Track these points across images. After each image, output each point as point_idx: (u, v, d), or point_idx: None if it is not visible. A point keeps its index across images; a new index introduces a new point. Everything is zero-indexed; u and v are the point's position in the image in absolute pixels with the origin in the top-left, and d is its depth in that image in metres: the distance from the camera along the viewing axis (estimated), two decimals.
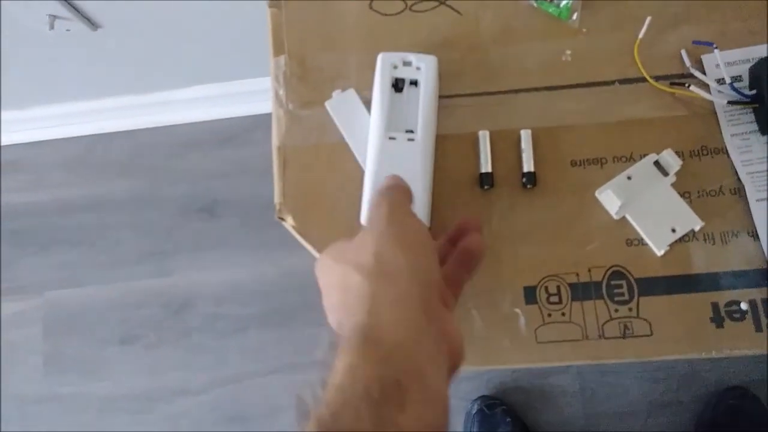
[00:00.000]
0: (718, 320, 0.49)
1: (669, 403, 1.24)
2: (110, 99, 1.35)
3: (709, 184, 0.52)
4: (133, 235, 1.41)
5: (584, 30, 0.55)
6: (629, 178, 0.51)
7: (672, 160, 0.50)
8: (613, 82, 0.54)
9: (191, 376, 1.35)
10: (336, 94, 0.54)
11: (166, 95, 1.34)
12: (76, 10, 0.93)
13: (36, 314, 1.40)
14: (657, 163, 0.51)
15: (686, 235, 0.50)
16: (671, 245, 0.50)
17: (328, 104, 0.54)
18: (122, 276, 1.40)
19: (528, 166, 0.52)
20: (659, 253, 0.50)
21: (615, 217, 0.51)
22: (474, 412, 1.22)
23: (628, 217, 0.51)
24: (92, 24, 0.98)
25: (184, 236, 1.40)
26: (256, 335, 1.34)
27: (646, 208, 0.51)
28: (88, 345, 1.38)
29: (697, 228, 0.50)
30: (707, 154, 0.52)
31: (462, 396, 1.27)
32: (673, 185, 0.51)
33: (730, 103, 0.52)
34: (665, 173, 0.51)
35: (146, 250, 1.41)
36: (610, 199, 0.50)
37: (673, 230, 0.50)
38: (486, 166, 0.53)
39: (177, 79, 1.28)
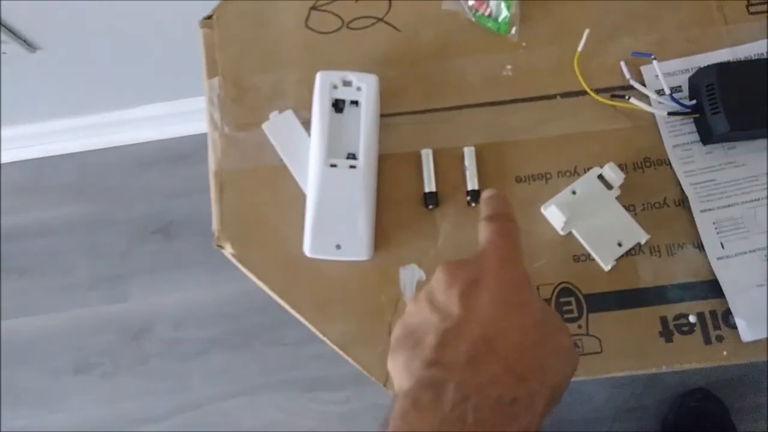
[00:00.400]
0: (667, 334, 0.48)
1: (634, 407, 1.25)
2: (55, 121, 1.31)
3: (653, 196, 0.51)
4: (86, 259, 1.37)
5: (524, 44, 0.55)
6: (574, 192, 0.51)
7: (614, 174, 0.50)
8: (554, 96, 0.54)
9: (151, 404, 1.31)
10: (273, 115, 0.53)
11: (115, 116, 1.31)
12: (11, 32, 0.89)
13: None
14: (601, 177, 0.51)
15: (633, 248, 0.50)
16: (618, 260, 0.50)
17: (265, 126, 0.52)
18: (76, 303, 1.36)
19: (472, 183, 0.51)
20: (606, 268, 0.49)
21: (561, 233, 0.50)
22: None
23: (575, 233, 0.50)
24: (30, 46, 0.95)
25: (140, 259, 1.37)
26: (218, 358, 1.31)
27: (592, 222, 0.50)
28: (41, 376, 1.33)
29: (643, 241, 0.50)
30: (650, 166, 0.52)
31: None
32: (618, 198, 0.51)
33: (670, 114, 0.51)
34: (609, 187, 0.51)
35: (100, 275, 1.36)
36: (555, 215, 0.49)
37: (620, 244, 0.50)
38: (430, 186, 0.52)
39: (124, 99, 1.24)
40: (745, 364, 1.26)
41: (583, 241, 0.50)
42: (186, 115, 1.30)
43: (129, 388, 1.32)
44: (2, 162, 1.39)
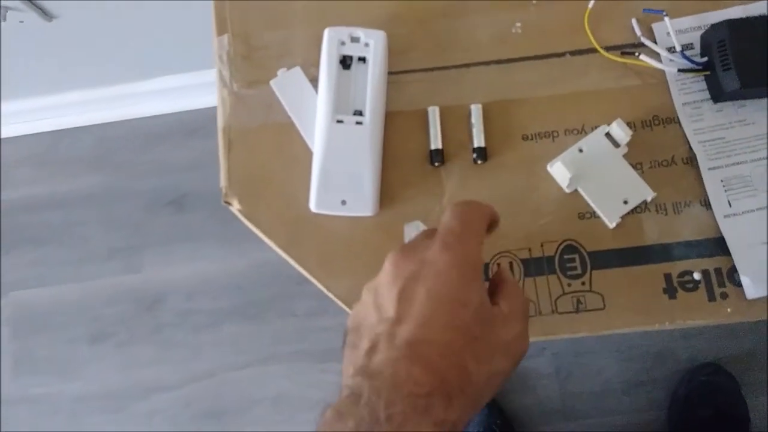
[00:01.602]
0: (671, 291, 0.48)
1: (643, 381, 1.25)
2: (72, 93, 1.32)
3: (661, 154, 0.51)
4: (102, 231, 1.39)
5: (534, 1, 0.54)
6: (581, 150, 0.51)
7: (622, 132, 0.49)
8: (563, 54, 0.53)
9: (164, 373, 1.33)
10: (281, 72, 0.53)
11: (130, 88, 1.31)
12: (28, 0, 0.90)
13: (4, 315, 1.37)
14: (608, 135, 0.51)
15: (638, 206, 0.50)
16: (623, 217, 0.49)
17: (273, 83, 0.53)
18: (91, 273, 1.38)
19: (478, 141, 0.51)
20: (611, 225, 0.49)
21: (566, 190, 0.50)
22: None
23: (580, 190, 0.50)
24: (46, 15, 0.96)
25: (154, 231, 1.38)
26: (230, 329, 1.32)
27: (597, 180, 0.50)
28: (58, 345, 1.36)
29: (649, 199, 0.49)
30: (659, 124, 0.52)
31: None
32: (625, 156, 0.51)
33: (680, 71, 0.51)
34: (616, 145, 0.50)
35: (115, 247, 1.38)
36: (560, 171, 0.49)
37: (625, 202, 0.49)
38: (436, 143, 0.52)
39: (140, 71, 1.25)
40: (756, 338, 1.25)
41: (588, 199, 0.50)
42: (199, 88, 1.30)
43: (143, 357, 1.34)
44: (22, 134, 1.40)
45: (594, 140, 0.51)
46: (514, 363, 0.35)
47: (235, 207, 0.51)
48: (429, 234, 0.38)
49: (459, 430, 0.32)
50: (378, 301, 0.35)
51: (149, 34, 1.07)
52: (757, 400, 1.19)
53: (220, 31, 0.54)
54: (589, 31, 0.53)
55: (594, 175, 0.50)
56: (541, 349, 1.26)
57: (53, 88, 1.29)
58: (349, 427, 0.30)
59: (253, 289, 1.32)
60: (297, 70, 0.53)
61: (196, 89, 1.30)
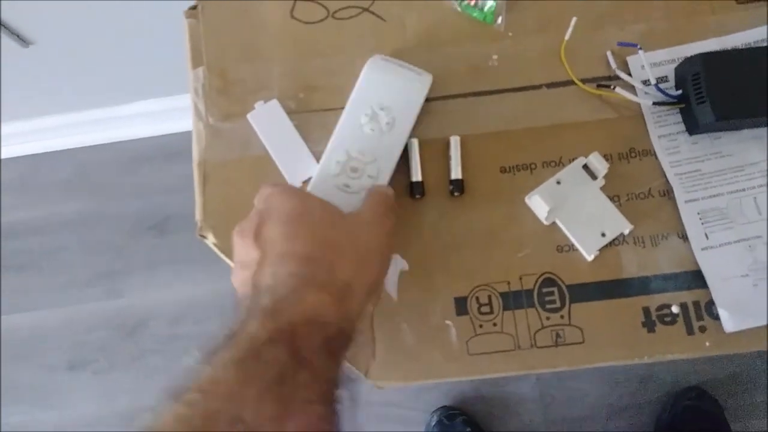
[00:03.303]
0: (649, 325, 0.48)
1: (628, 405, 1.24)
2: (51, 117, 1.31)
3: (638, 186, 0.51)
4: (83, 256, 1.37)
5: (510, 34, 0.54)
6: (558, 182, 0.51)
7: (599, 164, 0.49)
8: (540, 86, 0.54)
9: (144, 401, 1.30)
10: (258, 105, 0.52)
11: (111, 111, 1.31)
12: (3, 26, 0.89)
13: None
14: (586, 167, 0.51)
15: (616, 239, 0.50)
16: (601, 250, 0.49)
17: (250, 116, 0.52)
18: (72, 299, 1.36)
19: (455, 173, 0.51)
20: (589, 258, 0.49)
21: (545, 222, 0.50)
22: (433, 423, 1.21)
23: (558, 223, 0.50)
24: (23, 41, 0.95)
25: (136, 255, 1.37)
26: None
27: (575, 212, 0.50)
28: (37, 372, 1.34)
29: (626, 231, 0.49)
30: (636, 156, 0.52)
31: (422, 408, 1.26)
32: (603, 189, 0.51)
33: (655, 103, 0.51)
34: (594, 177, 0.50)
35: (97, 271, 1.37)
36: (538, 204, 0.49)
37: (603, 234, 0.49)
38: (416, 175, 0.51)
39: (120, 95, 1.24)
40: (740, 363, 1.25)
41: (566, 231, 0.50)
42: (181, 111, 1.29)
43: (123, 384, 1.32)
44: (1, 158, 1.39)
45: (571, 172, 0.51)
46: (376, 271, 0.43)
47: (210, 240, 0.51)
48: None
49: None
50: (244, 266, 0.41)
51: (129, 57, 1.07)
52: (741, 425, 1.19)
53: (195, 63, 0.54)
54: (565, 64, 0.53)
55: (572, 207, 0.50)
56: (524, 374, 1.25)
57: (32, 112, 1.28)
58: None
59: None
60: (274, 103, 0.53)
61: (178, 112, 1.30)
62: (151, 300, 1.35)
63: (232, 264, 0.50)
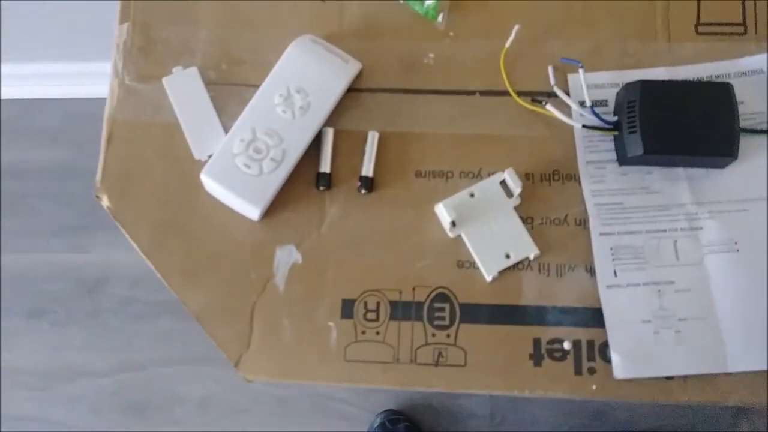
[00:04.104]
0: (537, 358, 0.45)
1: None
2: (45, 64, 1.30)
3: (554, 211, 0.48)
4: (54, 206, 1.36)
5: (451, 33, 0.52)
6: (472, 195, 0.48)
7: (513, 181, 0.47)
8: (474, 92, 0.51)
9: (95, 358, 1.30)
10: (176, 70, 0.50)
11: (104, 66, 1.29)
12: None
13: None
14: (503, 183, 0.48)
15: (521, 262, 0.47)
16: (502, 272, 0.47)
17: (165, 81, 0.50)
18: (38, 247, 1.35)
19: (366, 170, 0.49)
20: (488, 278, 0.46)
21: (450, 234, 0.47)
22: (376, 425, 1.19)
23: (464, 237, 0.47)
24: None
25: (107, 213, 1.36)
26: (167, 323, 1.29)
27: (483, 229, 0.47)
28: None
29: (532, 256, 0.47)
30: (559, 179, 0.49)
31: (368, 408, 1.24)
32: (518, 208, 0.48)
33: (585, 127, 0.48)
34: (510, 195, 0.48)
35: (66, 224, 1.36)
36: (442, 214, 0.47)
37: (507, 256, 0.47)
38: (324, 166, 0.49)
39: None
40: (704, 414, 1.21)
41: (470, 247, 0.47)
42: None
43: (76, 339, 1.31)
44: None
45: (487, 186, 0.48)
46: None
47: (104, 203, 0.49)
48: None
49: None
50: None
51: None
52: None
53: (123, 18, 0.52)
54: (503, 73, 0.50)
55: (481, 223, 0.47)
56: None
57: (27, 56, 1.27)
58: None
59: None
60: (193, 71, 0.50)
61: None
62: (115, 260, 1.33)
63: (120, 228, 0.48)
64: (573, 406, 1.23)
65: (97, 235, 1.35)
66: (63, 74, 1.33)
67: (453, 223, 0.46)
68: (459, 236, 0.48)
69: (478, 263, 0.47)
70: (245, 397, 1.25)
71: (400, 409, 1.24)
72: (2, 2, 0.98)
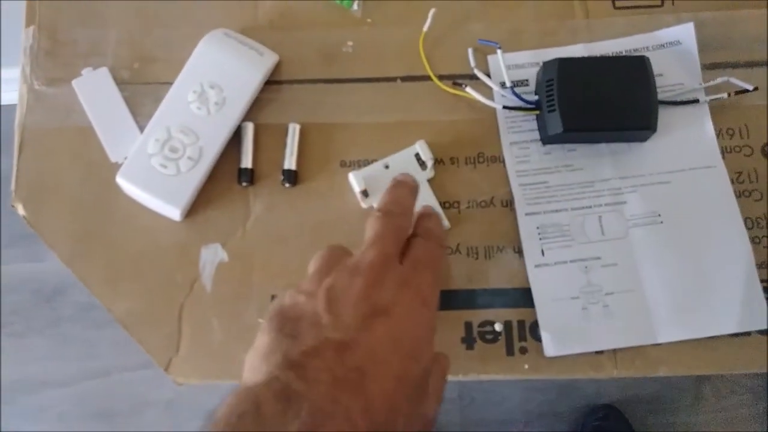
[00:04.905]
0: (469, 341, 0.45)
1: (545, 413, 1.23)
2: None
3: (480, 194, 0.48)
4: (7, 215, 1.33)
5: (369, 20, 0.51)
6: (387, 166, 0.48)
7: (424, 153, 0.47)
8: (395, 79, 0.50)
9: (58, 368, 1.28)
10: (86, 71, 0.49)
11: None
12: None
13: None
14: (418, 156, 0.47)
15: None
16: None
17: (75, 83, 0.49)
18: None
19: (289, 163, 0.48)
20: None
21: (363, 205, 0.47)
22: None
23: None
24: None
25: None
26: None
27: None
28: None
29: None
30: (483, 161, 0.49)
31: None
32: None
33: (506, 108, 0.48)
34: (424, 167, 0.47)
35: (20, 232, 1.32)
36: (353, 182, 0.46)
37: None
38: (246, 161, 0.48)
39: None
40: (666, 381, 1.23)
41: None
42: None
43: (38, 350, 1.29)
44: None
45: (402, 158, 0.48)
46: None
47: (20, 212, 0.47)
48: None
49: None
50: (338, 308, 0.31)
51: None
52: None
53: (28, 22, 0.50)
54: (423, 56, 0.50)
55: None
56: None
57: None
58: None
59: None
60: (104, 71, 0.49)
61: None
62: None
63: (40, 237, 0.47)
64: (539, 383, 1.24)
65: None
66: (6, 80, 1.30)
67: (365, 193, 0.46)
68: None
69: None
70: (213, 396, 1.24)
71: None
72: None
